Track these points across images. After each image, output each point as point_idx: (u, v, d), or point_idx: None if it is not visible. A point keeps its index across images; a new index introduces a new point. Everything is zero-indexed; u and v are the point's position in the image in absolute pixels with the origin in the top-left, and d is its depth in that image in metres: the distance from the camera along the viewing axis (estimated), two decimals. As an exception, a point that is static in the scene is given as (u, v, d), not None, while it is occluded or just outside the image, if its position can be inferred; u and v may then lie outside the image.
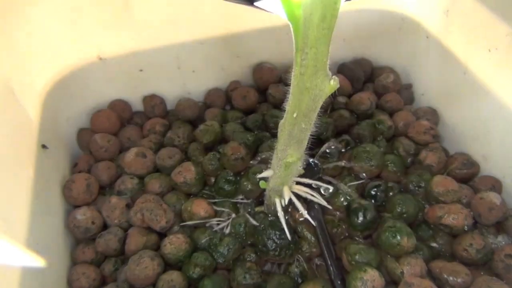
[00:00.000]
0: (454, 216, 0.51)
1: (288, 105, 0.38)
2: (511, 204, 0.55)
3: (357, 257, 0.49)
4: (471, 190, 0.57)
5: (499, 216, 0.52)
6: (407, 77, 0.74)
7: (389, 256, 0.50)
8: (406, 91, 0.72)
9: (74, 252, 0.54)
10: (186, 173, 0.57)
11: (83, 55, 0.63)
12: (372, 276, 0.45)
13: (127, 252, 0.52)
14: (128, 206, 0.56)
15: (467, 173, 0.59)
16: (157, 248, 0.53)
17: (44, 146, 0.55)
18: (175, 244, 0.51)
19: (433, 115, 0.67)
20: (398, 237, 0.49)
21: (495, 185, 0.56)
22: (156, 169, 0.61)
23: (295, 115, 0.38)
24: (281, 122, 0.40)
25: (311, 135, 0.41)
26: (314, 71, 0.34)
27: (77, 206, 0.55)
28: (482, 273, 0.50)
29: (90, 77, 0.65)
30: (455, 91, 0.63)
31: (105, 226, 0.55)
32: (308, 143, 0.43)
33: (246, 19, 0.67)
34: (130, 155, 0.60)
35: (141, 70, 0.67)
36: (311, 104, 0.37)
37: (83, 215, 0.54)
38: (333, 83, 0.36)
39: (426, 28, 0.66)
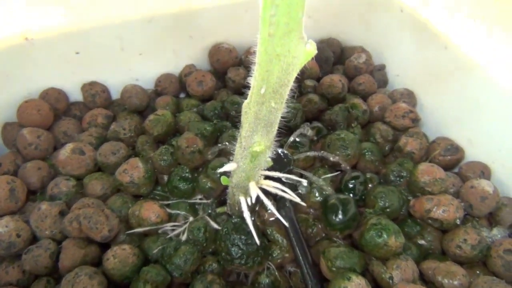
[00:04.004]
0: (444, 209, 0.45)
1: (254, 79, 0.30)
2: (502, 192, 0.49)
3: (338, 262, 0.42)
4: (457, 178, 0.51)
5: (492, 206, 0.47)
6: (380, 57, 0.68)
7: (374, 258, 0.43)
8: (379, 73, 0.66)
9: (-6, 272, 0.45)
10: (133, 171, 0.49)
11: (5, 34, 0.54)
12: (358, 285, 0.38)
13: (61, 269, 0.44)
14: (63, 214, 0.47)
15: (451, 159, 0.54)
16: (98, 263, 0.45)
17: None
18: (120, 257, 0.43)
19: (410, 97, 0.61)
20: (385, 236, 0.42)
21: (484, 171, 0.51)
22: (98, 168, 0.53)
23: (263, 91, 0.30)
24: (246, 102, 0.33)
25: (282, 118, 0.34)
26: (286, 31, 0.27)
27: (-1, 216, 0.47)
28: (478, 272, 0.44)
29: (15, 62, 0.56)
30: (435, 70, 0.57)
31: (34, 239, 0.47)
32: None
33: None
34: (64, 152, 0.51)
35: (77, 53, 0.58)
36: (283, 77, 0.30)
37: (5, 226, 0.45)
38: (310, 48, 0.28)
39: (400, 0, 0.60)
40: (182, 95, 0.66)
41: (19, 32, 0.54)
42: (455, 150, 0.54)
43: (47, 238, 0.46)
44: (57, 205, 0.47)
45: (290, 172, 0.48)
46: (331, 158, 0.50)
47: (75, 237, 0.45)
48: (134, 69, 0.63)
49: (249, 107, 0.32)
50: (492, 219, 0.49)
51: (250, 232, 0.42)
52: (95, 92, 0.60)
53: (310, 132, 0.53)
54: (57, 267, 0.44)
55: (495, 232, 0.47)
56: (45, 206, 0.47)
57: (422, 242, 0.47)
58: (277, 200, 0.47)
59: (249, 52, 0.63)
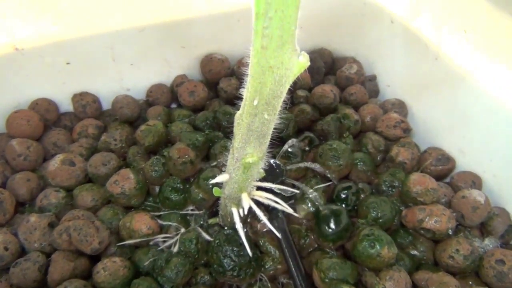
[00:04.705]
0: (436, 219, 0.45)
1: (247, 91, 0.30)
2: (493, 202, 0.50)
3: (331, 273, 0.42)
4: (449, 188, 0.52)
5: (483, 216, 0.47)
6: (371, 67, 0.68)
7: (367, 269, 0.43)
8: (370, 83, 0.67)
9: (-19, 287, 0.44)
10: (124, 182, 0.49)
11: (-5, 44, 0.54)
12: (351, 296, 0.38)
13: (50, 283, 0.43)
14: (52, 226, 0.46)
15: (443, 169, 0.54)
16: (88, 276, 0.45)
17: None
18: (110, 270, 0.43)
19: (401, 107, 0.62)
20: (378, 247, 0.42)
21: (476, 181, 0.51)
22: (88, 179, 0.52)
23: (255, 102, 0.30)
24: (238, 113, 0.33)
25: (275, 128, 0.33)
26: (279, 43, 0.27)
27: (-14, 229, 0.47)
28: (470, 282, 0.44)
29: (4, 71, 0.55)
30: (426, 80, 0.57)
31: (22, 252, 0.46)
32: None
33: (192, 3, 0.59)
34: (54, 163, 0.50)
35: (68, 63, 0.58)
36: (276, 88, 0.29)
37: (-8, 239, 0.44)
38: (303, 60, 0.28)
39: (391, 11, 0.60)
40: (173, 106, 0.66)
41: (8, 42, 0.54)
42: (447, 160, 0.54)
43: (36, 251, 0.45)
44: (46, 217, 0.46)
45: (282, 182, 0.48)
46: (316, 168, 0.50)
47: (65, 249, 0.44)
48: (125, 79, 0.62)
49: (241, 119, 0.32)
50: (483, 229, 0.49)
51: (242, 244, 0.41)
52: (85, 103, 0.59)
53: (301, 144, 0.53)
54: (46, 280, 0.43)
55: (487, 242, 0.47)
56: (34, 218, 0.46)
57: (414, 252, 0.47)
58: (269, 211, 0.47)
59: (241, 62, 0.63)
